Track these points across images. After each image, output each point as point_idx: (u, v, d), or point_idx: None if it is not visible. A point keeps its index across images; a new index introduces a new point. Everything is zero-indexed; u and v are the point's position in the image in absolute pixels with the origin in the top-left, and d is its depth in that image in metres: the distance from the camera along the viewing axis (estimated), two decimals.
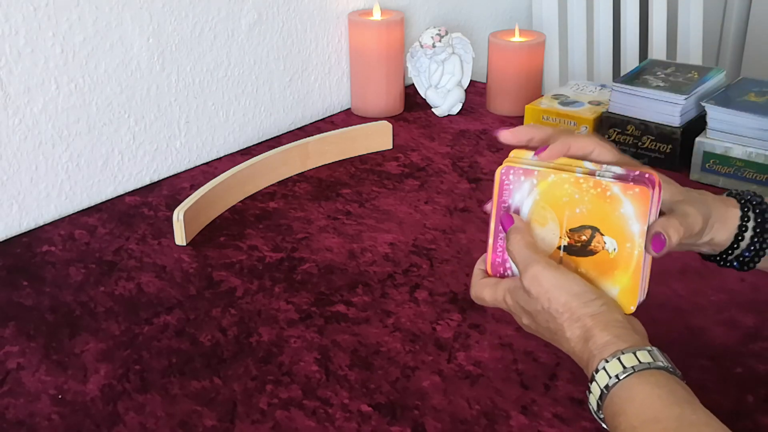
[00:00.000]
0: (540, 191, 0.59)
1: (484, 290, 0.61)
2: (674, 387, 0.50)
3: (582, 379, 0.69)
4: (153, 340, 0.76)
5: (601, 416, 0.52)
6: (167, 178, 1.10)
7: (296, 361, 0.73)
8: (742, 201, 0.62)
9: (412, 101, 1.36)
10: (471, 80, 1.32)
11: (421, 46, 1.27)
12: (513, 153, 0.61)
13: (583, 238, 0.58)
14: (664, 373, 0.50)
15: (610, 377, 0.50)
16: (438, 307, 0.80)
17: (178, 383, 0.70)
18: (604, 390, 0.51)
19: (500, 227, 0.60)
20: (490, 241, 0.61)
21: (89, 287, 0.84)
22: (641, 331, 0.55)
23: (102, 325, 0.78)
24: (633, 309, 0.57)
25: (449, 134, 1.24)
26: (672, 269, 0.86)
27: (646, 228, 0.56)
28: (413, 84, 1.33)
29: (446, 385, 0.69)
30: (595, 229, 0.57)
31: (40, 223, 0.98)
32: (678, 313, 0.79)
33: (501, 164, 0.60)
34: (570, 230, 0.58)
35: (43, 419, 0.66)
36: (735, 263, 0.63)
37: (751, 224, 0.61)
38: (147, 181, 1.09)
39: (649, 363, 0.50)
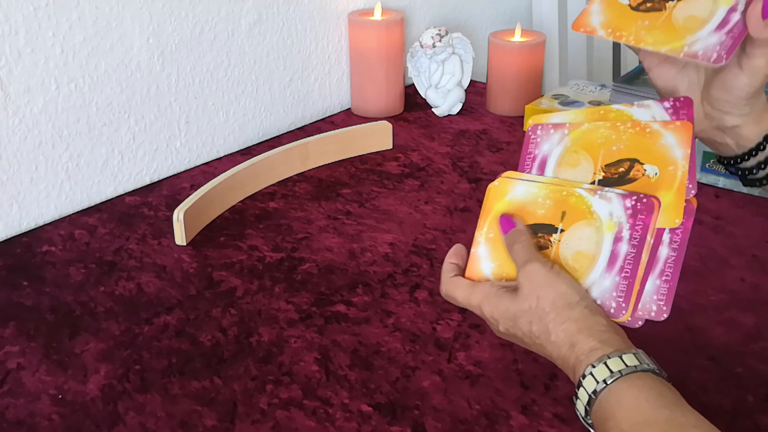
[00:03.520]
0: (572, 138, 0.60)
1: (456, 290, 0.60)
2: (662, 389, 0.50)
3: None
4: (153, 340, 0.76)
5: (590, 422, 0.52)
6: (167, 178, 1.10)
7: (296, 361, 0.73)
8: None
9: (412, 101, 1.36)
10: (471, 80, 1.32)
11: (421, 46, 1.27)
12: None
13: (621, 169, 0.59)
14: (651, 376, 0.50)
15: (597, 382, 0.50)
16: (438, 307, 0.80)
17: (178, 383, 0.70)
18: (592, 395, 0.50)
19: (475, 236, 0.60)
20: (475, 248, 0.61)
21: (89, 287, 0.84)
22: (623, 334, 0.54)
23: (102, 325, 0.78)
24: (678, 222, 0.56)
25: (449, 134, 1.24)
26: None
27: (689, 152, 0.57)
28: (413, 84, 1.33)
29: (446, 385, 0.69)
30: (633, 161, 0.58)
31: (40, 223, 0.98)
32: (678, 313, 0.78)
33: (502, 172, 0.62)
34: (606, 165, 0.59)
35: (43, 419, 0.66)
36: (748, 173, 0.63)
37: None
38: (147, 181, 1.09)
39: (635, 366, 0.50)
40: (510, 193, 0.61)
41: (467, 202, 1.02)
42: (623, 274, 0.56)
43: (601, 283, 0.56)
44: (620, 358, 0.51)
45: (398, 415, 0.66)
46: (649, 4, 0.60)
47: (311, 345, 0.75)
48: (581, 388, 0.51)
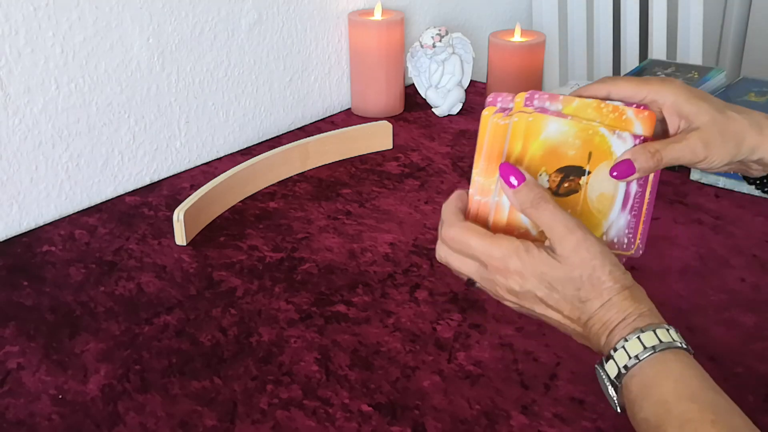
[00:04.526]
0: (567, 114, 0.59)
1: (472, 234, 0.56)
2: (705, 373, 0.50)
3: (582, 379, 0.69)
4: (153, 340, 0.76)
5: (618, 384, 0.51)
6: (167, 178, 1.10)
7: (296, 361, 0.73)
8: None
9: (412, 101, 1.36)
10: (471, 80, 1.32)
11: (422, 46, 1.27)
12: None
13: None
14: (692, 358, 0.51)
15: (644, 348, 0.50)
16: (438, 307, 0.80)
17: (178, 383, 0.70)
18: (635, 358, 0.50)
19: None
20: (498, 198, 0.57)
21: (89, 287, 0.84)
22: None
23: (102, 325, 0.78)
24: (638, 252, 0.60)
25: (449, 134, 1.25)
26: (672, 269, 0.86)
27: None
28: (413, 84, 1.33)
29: (446, 385, 0.69)
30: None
31: (40, 223, 0.98)
32: (678, 313, 0.78)
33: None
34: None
35: (43, 419, 0.66)
36: None
37: None
38: (147, 181, 1.09)
39: (681, 343, 0.51)
40: (544, 131, 0.57)
41: None
42: (633, 213, 0.59)
43: (618, 222, 0.59)
44: (668, 331, 0.51)
45: (398, 415, 0.66)
46: (566, 184, 0.58)
47: (311, 345, 0.75)
48: (621, 350, 0.51)
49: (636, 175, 0.58)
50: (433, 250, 0.90)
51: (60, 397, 0.69)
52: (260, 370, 0.72)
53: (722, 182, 1.03)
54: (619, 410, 0.52)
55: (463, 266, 0.58)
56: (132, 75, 1.03)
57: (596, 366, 0.53)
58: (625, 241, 0.60)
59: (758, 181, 0.66)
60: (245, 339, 0.76)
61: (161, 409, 0.67)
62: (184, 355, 0.74)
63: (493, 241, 0.55)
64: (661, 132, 0.62)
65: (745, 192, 1.01)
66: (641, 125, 0.59)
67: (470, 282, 0.59)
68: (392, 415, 0.66)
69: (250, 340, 0.76)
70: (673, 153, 0.59)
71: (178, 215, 0.91)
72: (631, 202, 0.59)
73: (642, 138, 0.58)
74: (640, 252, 0.60)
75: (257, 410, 0.67)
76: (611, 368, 0.51)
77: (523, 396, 0.68)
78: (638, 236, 0.60)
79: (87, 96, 0.99)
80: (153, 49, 1.04)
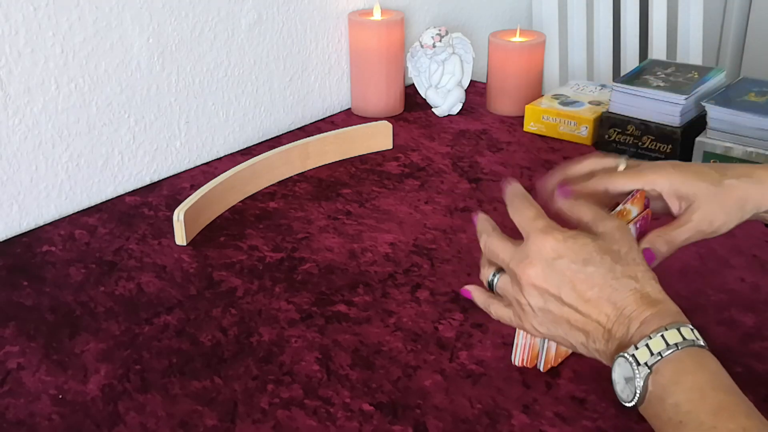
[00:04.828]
0: None
1: (530, 203, 0.60)
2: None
3: (583, 378, 0.69)
4: (153, 340, 0.76)
5: (647, 371, 0.51)
6: (167, 178, 1.10)
7: (297, 361, 0.73)
8: None
9: (412, 101, 1.36)
10: (471, 80, 1.32)
11: (422, 46, 1.27)
12: None
13: None
14: None
15: (684, 338, 0.51)
16: (440, 307, 0.80)
17: (178, 383, 0.70)
18: (674, 346, 0.51)
19: None
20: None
21: (89, 287, 0.84)
22: None
23: (102, 325, 0.78)
24: None
25: (449, 134, 1.24)
26: (672, 269, 0.86)
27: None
28: (413, 84, 1.33)
29: (448, 385, 0.69)
30: None
31: (40, 223, 0.98)
32: None
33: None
34: None
35: (43, 419, 0.66)
36: None
37: None
38: (147, 181, 1.09)
39: (706, 347, 0.52)
40: None
41: (467, 202, 1.02)
42: None
43: None
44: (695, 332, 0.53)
45: (399, 414, 0.66)
46: None
47: (312, 345, 0.75)
48: (659, 337, 0.51)
49: (655, 262, 0.62)
50: (434, 250, 0.90)
51: (60, 397, 0.69)
52: (261, 370, 0.72)
53: None
54: (635, 398, 0.51)
55: (500, 246, 0.60)
56: (132, 75, 1.03)
57: (622, 354, 0.53)
58: None
59: None
60: (245, 339, 0.76)
61: (161, 409, 0.67)
62: (184, 355, 0.74)
63: (546, 216, 0.59)
64: (662, 210, 0.67)
65: None
66: (636, 209, 0.65)
67: (491, 281, 0.62)
68: (393, 415, 0.66)
69: (251, 340, 0.76)
70: (682, 237, 0.64)
71: (178, 215, 0.91)
72: None
73: (638, 220, 0.65)
74: None
75: (258, 410, 0.67)
76: (642, 354, 0.52)
77: (525, 395, 0.68)
78: None
79: (87, 96, 0.99)
80: (153, 49, 1.04)
